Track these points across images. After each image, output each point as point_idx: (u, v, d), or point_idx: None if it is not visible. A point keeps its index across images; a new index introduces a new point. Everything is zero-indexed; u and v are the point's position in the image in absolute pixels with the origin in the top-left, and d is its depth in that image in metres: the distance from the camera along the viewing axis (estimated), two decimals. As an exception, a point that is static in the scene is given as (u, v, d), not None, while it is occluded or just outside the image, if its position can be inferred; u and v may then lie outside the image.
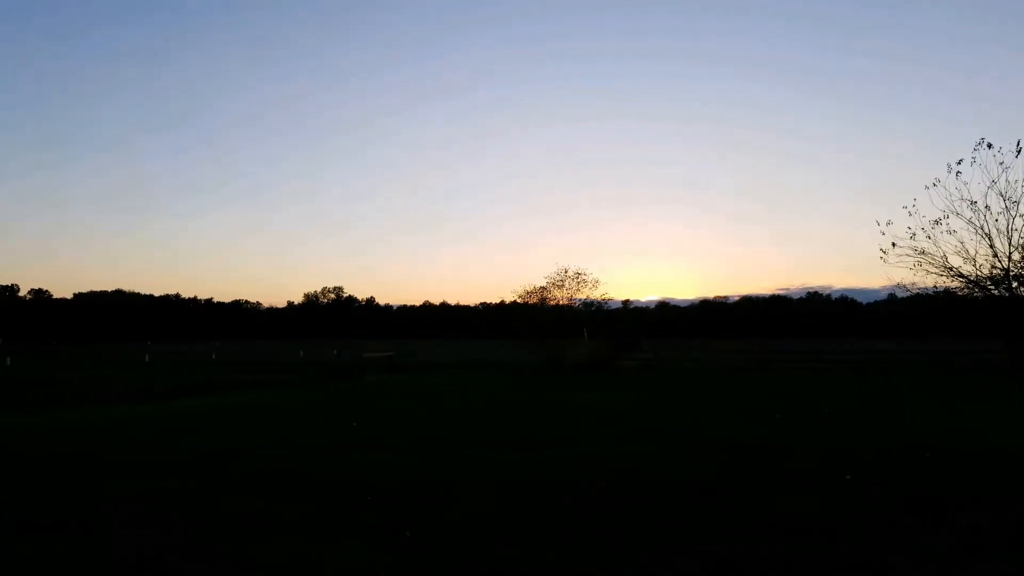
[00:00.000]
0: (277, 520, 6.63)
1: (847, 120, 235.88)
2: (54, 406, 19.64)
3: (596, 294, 39.47)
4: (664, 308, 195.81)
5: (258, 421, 15.24)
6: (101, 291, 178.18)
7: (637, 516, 6.66)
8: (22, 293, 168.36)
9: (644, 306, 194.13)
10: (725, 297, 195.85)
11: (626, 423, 14.14)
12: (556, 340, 36.02)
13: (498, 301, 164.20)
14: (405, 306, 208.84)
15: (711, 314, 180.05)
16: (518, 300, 41.16)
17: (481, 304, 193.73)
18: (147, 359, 52.09)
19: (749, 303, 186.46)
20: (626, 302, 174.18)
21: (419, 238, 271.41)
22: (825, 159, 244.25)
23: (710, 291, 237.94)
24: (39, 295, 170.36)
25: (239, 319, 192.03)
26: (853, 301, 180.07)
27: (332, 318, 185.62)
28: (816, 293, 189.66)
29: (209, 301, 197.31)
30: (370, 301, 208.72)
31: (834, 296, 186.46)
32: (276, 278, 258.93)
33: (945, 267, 24.37)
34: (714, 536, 6.01)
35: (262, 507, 7.15)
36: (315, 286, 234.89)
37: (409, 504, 7.20)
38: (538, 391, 22.82)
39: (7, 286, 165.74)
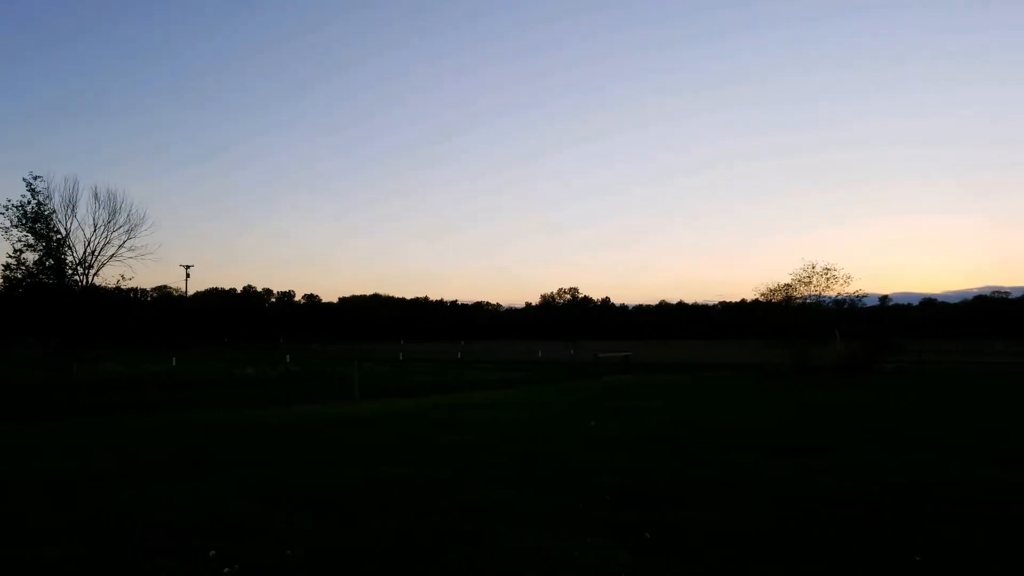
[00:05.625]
0: (520, 512, 6.72)
1: None
2: (327, 399, 21.78)
3: (848, 291, 36.69)
4: (929, 305, 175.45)
5: (500, 417, 15.69)
6: (361, 295, 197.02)
7: (909, 537, 5.91)
8: (297, 298, 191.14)
9: (905, 303, 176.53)
10: (1005, 292, 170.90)
11: (890, 431, 12.96)
12: (804, 341, 33.74)
13: (738, 300, 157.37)
14: (641, 306, 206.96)
15: (986, 311, 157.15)
16: (760, 299, 39.44)
17: (720, 303, 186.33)
18: (400, 357, 56.50)
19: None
20: (884, 299, 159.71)
21: (655, 236, 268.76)
22: None
23: (978, 283, 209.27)
24: (310, 299, 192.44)
25: (481, 319, 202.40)
26: None
27: (568, 318, 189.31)
28: None
29: (454, 303, 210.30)
30: (605, 301, 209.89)
31: None
32: (515, 280, 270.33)
33: None
34: (993, 567, 5.20)
35: (506, 498, 7.30)
36: (551, 287, 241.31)
37: (651, 506, 6.97)
38: (788, 395, 21.41)
39: (285, 292, 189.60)
